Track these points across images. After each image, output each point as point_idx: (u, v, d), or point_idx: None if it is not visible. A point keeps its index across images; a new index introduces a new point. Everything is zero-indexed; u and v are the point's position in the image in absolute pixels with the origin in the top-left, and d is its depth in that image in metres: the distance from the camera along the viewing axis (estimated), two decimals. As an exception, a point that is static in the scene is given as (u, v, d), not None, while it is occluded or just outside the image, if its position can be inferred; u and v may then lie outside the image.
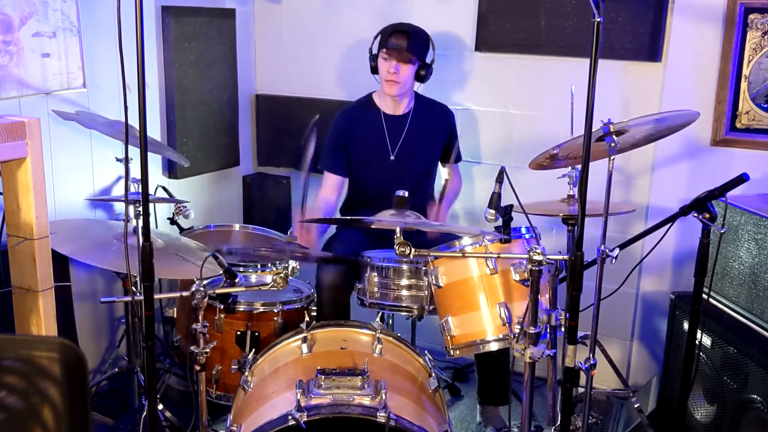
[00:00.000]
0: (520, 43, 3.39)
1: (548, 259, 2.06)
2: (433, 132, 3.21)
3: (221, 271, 2.30)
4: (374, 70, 3.11)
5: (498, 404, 3.04)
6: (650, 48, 3.15)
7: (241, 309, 2.76)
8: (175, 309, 3.12)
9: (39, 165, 2.13)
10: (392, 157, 3.15)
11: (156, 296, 2.01)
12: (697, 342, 2.50)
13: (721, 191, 2.32)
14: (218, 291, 2.29)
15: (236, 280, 2.30)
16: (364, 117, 3.19)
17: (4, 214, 2.17)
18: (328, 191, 3.20)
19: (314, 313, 2.85)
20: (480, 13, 3.44)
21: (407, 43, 2.98)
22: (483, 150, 3.58)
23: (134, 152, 2.23)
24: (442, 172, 3.33)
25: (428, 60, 3.09)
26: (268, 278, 2.76)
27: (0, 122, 2.04)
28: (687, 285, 2.83)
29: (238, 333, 2.76)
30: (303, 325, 2.38)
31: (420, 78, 3.09)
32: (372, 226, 2.61)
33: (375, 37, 3.09)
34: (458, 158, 3.34)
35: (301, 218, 2.79)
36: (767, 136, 3.00)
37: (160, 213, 3.31)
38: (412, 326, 3.28)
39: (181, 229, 3.16)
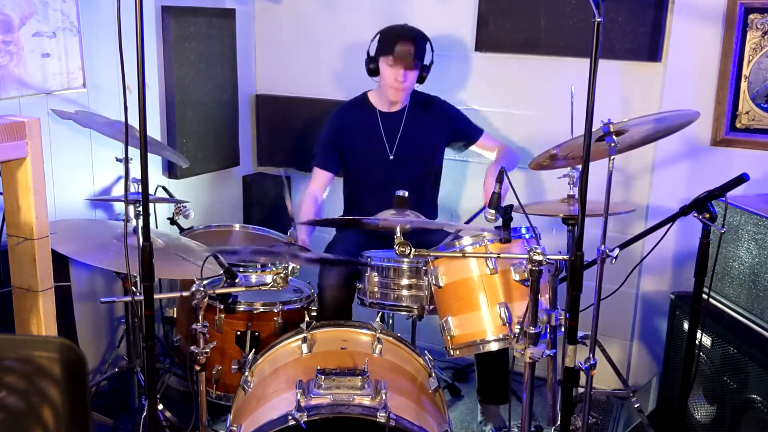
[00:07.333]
0: (520, 43, 3.39)
1: (548, 259, 2.06)
2: (431, 128, 3.20)
3: (221, 271, 2.30)
4: (372, 72, 3.10)
5: (498, 403, 3.05)
6: (650, 48, 3.15)
7: (241, 309, 2.77)
8: (175, 309, 3.12)
9: (39, 165, 2.13)
10: (391, 157, 3.15)
11: (156, 296, 2.01)
12: (697, 342, 2.50)
13: (721, 191, 2.32)
14: (218, 291, 2.29)
15: (236, 280, 2.30)
16: (359, 116, 3.19)
17: (4, 214, 2.17)
18: (317, 187, 3.21)
19: (314, 313, 2.85)
20: (480, 13, 3.44)
21: (414, 50, 2.96)
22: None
23: (134, 152, 2.23)
24: (483, 152, 3.26)
25: (426, 62, 3.09)
26: (268, 278, 2.76)
27: (0, 122, 2.04)
28: (687, 285, 2.83)
29: (238, 333, 2.76)
30: (303, 325, 2.38)
31: (421, 79, 3.09)
32: (370, 227, 2.60)
33: (372, 39, 3.07)
34: (479, 132, 3.23)
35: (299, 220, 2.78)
36: (767, 136, 3.00)
37: (160, 213, 3.30)
38: (412, 326, 3.28)
39: (181, 229, 3.16)
